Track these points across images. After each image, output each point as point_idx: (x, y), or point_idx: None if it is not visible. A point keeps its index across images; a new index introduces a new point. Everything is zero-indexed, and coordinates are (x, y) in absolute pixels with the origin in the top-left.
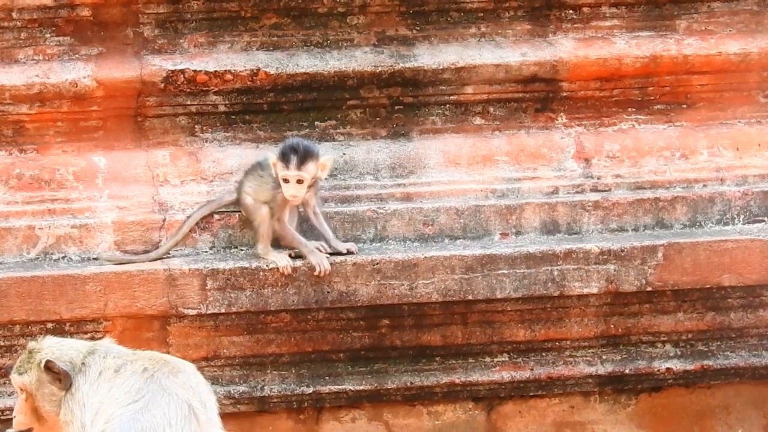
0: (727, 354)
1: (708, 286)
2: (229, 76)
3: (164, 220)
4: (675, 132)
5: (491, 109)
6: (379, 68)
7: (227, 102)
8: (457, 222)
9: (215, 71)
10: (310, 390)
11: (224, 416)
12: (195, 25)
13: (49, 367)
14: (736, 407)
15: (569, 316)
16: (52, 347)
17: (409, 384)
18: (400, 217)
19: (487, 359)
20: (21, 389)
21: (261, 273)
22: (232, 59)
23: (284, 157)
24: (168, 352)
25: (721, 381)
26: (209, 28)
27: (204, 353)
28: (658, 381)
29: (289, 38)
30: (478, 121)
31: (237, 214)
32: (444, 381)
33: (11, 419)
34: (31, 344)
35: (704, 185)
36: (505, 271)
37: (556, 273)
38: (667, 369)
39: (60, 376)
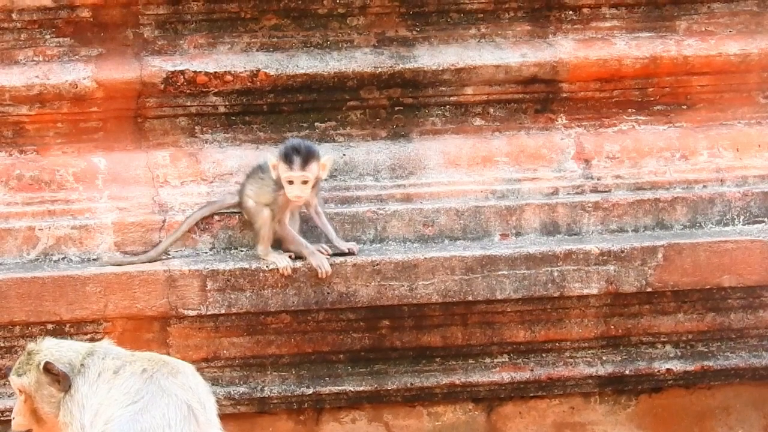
0: (727, 355)
1: (708, 286)
2: (229, 77)
3: (164, 221)
4: (675, 133)
5: (491, 110)
6: (379, 69)
7: (227, 103)
8: (457, 223)
9: (215, 72)
10: (310, 391)
11: (224, 417)
12: (195, 26)
13: (48, 369)
14: (736, 408)
15: (569, 317)
16: (51, 349)
17: (409, 385)
18: (400, 218)
19: (487, 360)
20: (20, 391)
21: (261, 274)
22: (232, 60)
23: (287, 159)
24: (168, 353)
25: (721, 382)
26: (209, 29)
27: (204, 354)
28: (658, 382)
29: (289, 39)
30: (478, 122)
31: (237, 216)
32: (444, 382)
33: (11, 420)
34: (30, 346)
35: (704, 186)
36: (505, 272)
37: (556, 274)
38: (667, 370)
39: (59, 378)
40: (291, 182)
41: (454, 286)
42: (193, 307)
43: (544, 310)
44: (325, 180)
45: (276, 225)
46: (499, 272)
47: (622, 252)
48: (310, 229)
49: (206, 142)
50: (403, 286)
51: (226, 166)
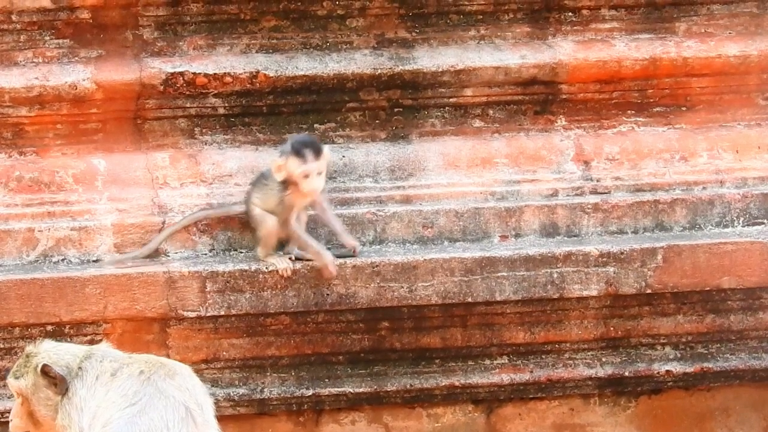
0: (727, 356)
1: (708, 288)
2: (228, 79)
3: (164, 223)
4: (674, 134)
5: (490, 112)
6: (379, 71)
7: (227, 104)
8: (456, 224)
9: (215, 74)
10: (310, 392)
11: (224, 418)
12: (194, 27)
13: (45, 372)
14: (735, 409)
15: (569, 319)
16: (49, 351)
17: (408, 386)
18: (399, 220)
19: (487, 361)
20: (17, 393)
21: (260, 275)
22: (231, 62)
23: (299, 153)
24: (168, 355)
25: (720, 383)
26: (209, 31)
27: (204, 355)
28: (658, 383)
29: (289, 41)
30: (477, 123)
31: (237, 217)
32: (443, 383)
33: (9, 422)
34: (29, 348)
35: (704, 187)
36: (505, 274)
37: (555, 275)
38: (667, 371)
39: (56, 381)
40: (307, 176)
41: (453, 287)
42: (193, 308)
43: (544, 312)
44: (325, 181)
45: (281, 228)
46: (499, 274)
47: (622, 254)
48: (315, 227)
49: (206, 144)
50: (402, 287)
51: (225, 167)
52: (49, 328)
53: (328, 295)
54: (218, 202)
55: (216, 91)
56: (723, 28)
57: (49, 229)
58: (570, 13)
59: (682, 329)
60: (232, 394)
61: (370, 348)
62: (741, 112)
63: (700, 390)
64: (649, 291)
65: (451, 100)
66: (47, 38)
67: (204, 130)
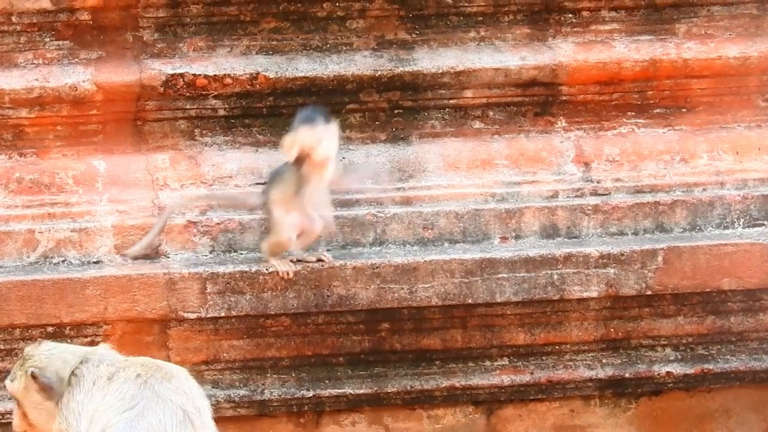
0: (728, 358)
1: (708, 289)
2: (228, 80)
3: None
4: (675, 136)
5: (491, 113)
6: (379, 72)
7: (227, 106)
8: (456, 226)
9: (215, 75)
10: (310, 394)
11: (224, 420)
12: (194, 29)
13: (34, 377)
14: (736, 411)
15: (569, 320)
16: (43, 355)
17: (409, 388)
18: (399, 221)
19: (487, 363)
20: (12, 396)
21: (261, 277)
22: (231, 63)
23: (308, 121)
24: (168, 356)
25: (721, 385)
26: (209, 32)
27: (204, 357)
28: (658, 385)
29: (289, 42)
30: (477, 125)
31: (237, 218)
32: (444, 385)
33: (9, 422)
34: (27, 350)
35: (704, 189)
36: (505, 275)
37: (555, 277)
38: (667, 373)
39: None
40: (319, 141)
41: (453, 289)
42: (193, 309)
43: (544, 313)
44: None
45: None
46: (499, 275)
47: (622, 255)
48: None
49: (206, 145)
50: (402, 289)
51: (225, 169)
52: (49, 329)
53: (328, 296)
54: (218, 204)
55: (216, 93)
56: (723, 30)
57: (50, 230)
58: (570, 15)
59: (682, 330)
60: (232, 395)
61: (371, 349)
62: (741, 113)
63: (700, 391)
64: (649, 292)
65: (451, 101)
66: (47, 40)
67: (204, 132)
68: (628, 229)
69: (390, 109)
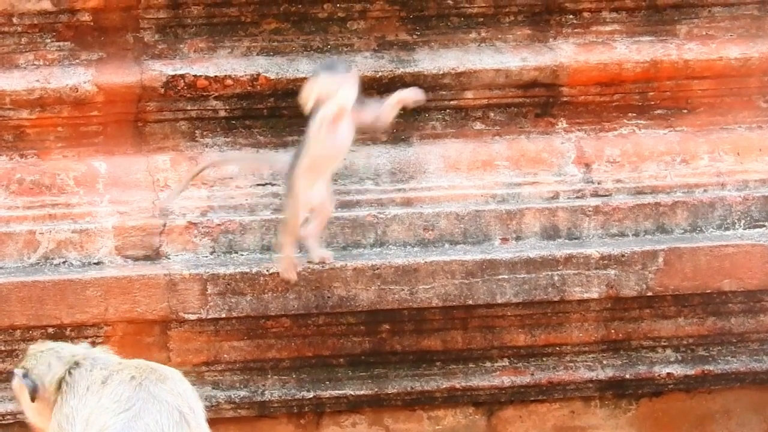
0: (728, 359)
1: (708, 291)
2: (229, 81)
3: (165, 225)
4: (675, 137)
5: (491, 114)
6: (380, 73)
7: (227, 107)
8: (457, 227)
9: (215, 76)
10: (311, 395)
11: (225, 421)
12: (195, 30)
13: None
14: (736, 412)
15: (570, 321)
16: (34, 356)
17: (409, 389)
18: (400, 222)
19: (488, 364)
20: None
21: (261, 278)
22: (232, 64)
23: (328, 68)
24: (168, 357)
25: (721, 386)
26: (209, 33)
27: (204, 358)
28: (659, 386)
29: (290, 43)
30: (478, 126)
31: (238, 219)
32: (444, 386)
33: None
34: (31, 348)
35: (705, 190)
36: (506, 276)
37: (556, 278)
38: (668, 374)
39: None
40: (337, 89)
41: (454, 290)
42: (194, 311)
43: (545, 314)
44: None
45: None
46: (500, 276)
47: (623, 256)
48: None
49: (206, 146)
50: (403, 290)
51: (226, 170)
52: (50, 330)
53: (328, 297)
54: (219, 205)
55: (217, 94)
56: (724, 31)
57: (50, 231)
58: (571, 16)
59: (682, 332)
60: (233, 396)
61: (371, 350)
62: (742, 114)
63: (700, 392)
64: (649, 293)
65: (451, 102)
66: (48, 41)
67: (205, 133)
68: (628, 230)
69: None
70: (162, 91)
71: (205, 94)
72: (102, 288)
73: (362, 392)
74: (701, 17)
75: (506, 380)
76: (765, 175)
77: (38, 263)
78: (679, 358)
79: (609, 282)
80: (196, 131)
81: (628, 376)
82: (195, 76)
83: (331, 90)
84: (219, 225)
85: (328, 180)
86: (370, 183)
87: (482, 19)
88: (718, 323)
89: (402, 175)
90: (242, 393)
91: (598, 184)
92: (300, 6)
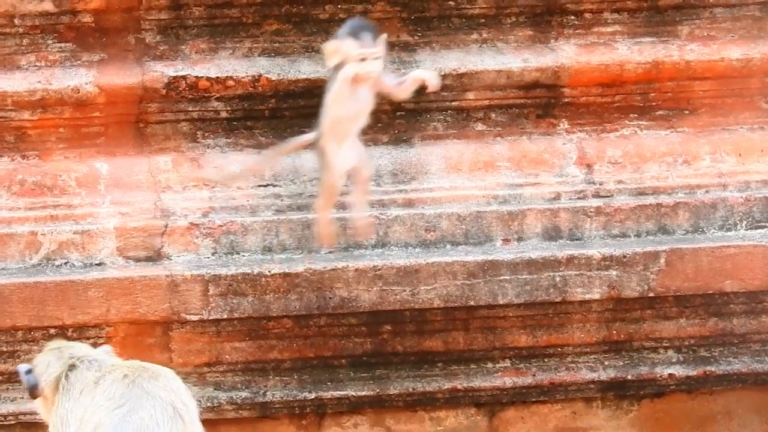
0: (730, 360)
1: (710, 292)
2: (230, 83)
3: (166, 226)
4: (677, 138)
5: (493, 115)
6: None
7: (229, 108)
8: (459, 228)
9: (217, 77)
10: (312, 396)
11: (226, 422)
12: (197, 31)
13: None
14: (738, 413)
15: (571, 322)
16: (44, 354)
17: (411, 390)
18: (401, 223)
19: (489, 365)
20: None
21: (263, 279)
22: (233, 65)
23: (357, 35)
24: (170, 358)
25: (723, 387)
26: (211, 35)
27: (206, 359)
28: (661, 387)
29: (291, 44)
30: (479, 127)
31: (239, 220)
32: (446, 387)
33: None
34: (47, 345)
35: (706, 191)
36: (507, 277)
37: (558, 279)
38: (670, 375)
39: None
40: (363, 59)
41: (456, 291)
42: (196, 311)
43: (546, 315)
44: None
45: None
46: (501, 277)
47: (625, 257)
48: None
49: (208, 147)
50: (404, 291)
51: (227, 171)
52: (51, 331)
53: (330, 298)
54: (220, 205)
55: (218, 95)
56: (725, 32)
57: (52, 232)
58: (572, 17)
59: (684, 333)
60: (234, 397)
61: (373, 351)
62: (744, 115)
63: (702, 393)
64: (651, 294)
65: (453, 103)
66: (50, 42)
67: (206, 134)
68: (630, 231)
69: (392, 111)
70: (163, 92)
71: (206, 95)
72: (104, 289)
73: (364, 393)
74: (703, 18)
75: (508, 381)
76: (767, 176)
77: (40, 264)
78: (681, 359)
79: (611, 283)
80: (198, 132)
81: (629, 377)
82: (196, 77)
83: (358, 57)
84: (221, 226)
85: (356, 142)
86: (372, 184)
87: (483, 20)
88: (719, 324)
89: (403, 176)
90: (244, 394)
91: (600, 184)
92: (301, 7)
